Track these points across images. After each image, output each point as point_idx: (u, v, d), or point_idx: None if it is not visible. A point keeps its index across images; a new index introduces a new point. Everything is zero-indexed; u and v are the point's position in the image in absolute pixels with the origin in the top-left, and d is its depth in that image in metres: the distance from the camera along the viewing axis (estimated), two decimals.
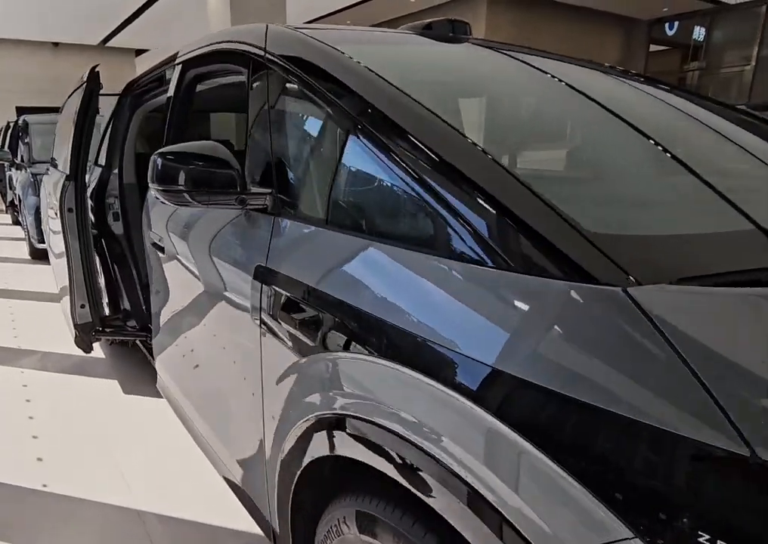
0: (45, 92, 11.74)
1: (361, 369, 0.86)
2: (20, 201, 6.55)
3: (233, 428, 1.48)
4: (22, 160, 6.62)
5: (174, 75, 1.99)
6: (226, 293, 1.36)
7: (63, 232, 2.57)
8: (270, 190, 1.21)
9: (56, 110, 7.65)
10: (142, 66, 12.79)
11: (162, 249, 1.85)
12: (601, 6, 10.84)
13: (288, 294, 1.08)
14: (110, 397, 2.70)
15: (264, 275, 1.16)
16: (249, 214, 1.27)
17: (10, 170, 7.83)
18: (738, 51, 11.65)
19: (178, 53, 2.03)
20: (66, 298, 2.83)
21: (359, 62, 1.15)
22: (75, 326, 2.66)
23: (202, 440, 1.75)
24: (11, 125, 8.24)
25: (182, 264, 1.68)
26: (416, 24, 1.71)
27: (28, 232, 5.96)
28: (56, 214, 2.83)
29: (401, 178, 0.90)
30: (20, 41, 11.45)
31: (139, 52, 13.58)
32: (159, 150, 1.21)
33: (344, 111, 1.07)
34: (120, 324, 2.96)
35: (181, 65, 1.94)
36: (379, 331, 0.84)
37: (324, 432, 0.93)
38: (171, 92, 1.99)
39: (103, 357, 3.18)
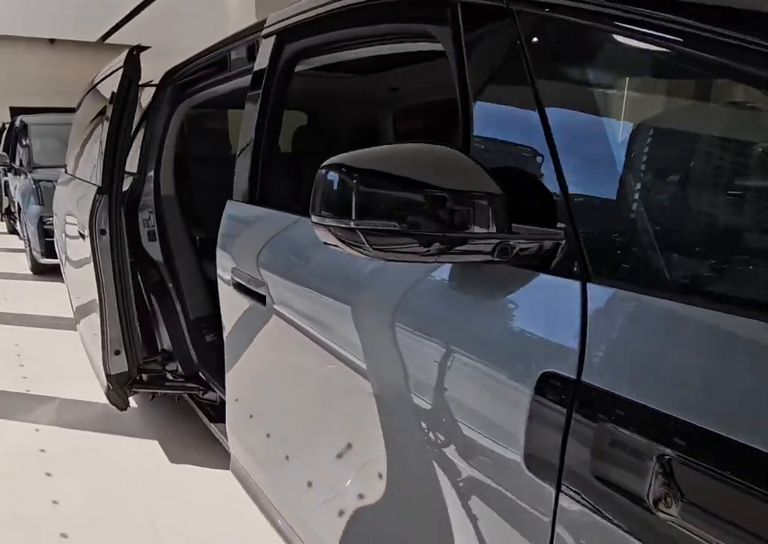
0: (41, 92, 11.09)
1: None
2: (18, 209, 5.96)
3: None
4: (21, 164, 6.02)
5: (263, 52, 1.44)
6: (430, 401, 0.82)
7: (94, 259, 2.01)
8: (561, 230, 0.67)
9: (53, 111, 7.09)
10: (144, 64, 12.17)
11: (258, 298, 1.29)
12: None
13: (663, 447, 0.53)
14: (153, 468, 2.14)
15: (566, 394, 0.61)
16: (499, 271, 0.72)
17: (6, 175, 7.22)
18: None
19: (263, 23, 1.48)
20: (86, 321, 2.27)
21: None
22: (108, 377, 2.10)
23: None
24: (6, 126, 7.64)
25: (309, 332, 1.13)
26: None
27: (29, 244, 5.37)
28: (80, 233, 2.27)
29: None
30: (14, 37, 10.82)
31: (141, 49, 12.92)
32: (335, 161, 0.69)
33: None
34: (158, 368, 2.40)
35: (275, 37, 1.39)
36: None
37: None
38: (259, 75, 1.44)
39: (134, 404, 2.62)
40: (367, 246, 0.67)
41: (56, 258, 4.27)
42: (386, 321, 0.91)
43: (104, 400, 2.29)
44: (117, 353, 2.09)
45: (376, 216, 0.65)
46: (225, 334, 1.57)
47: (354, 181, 0.66)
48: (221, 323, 2.51)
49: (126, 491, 1.98)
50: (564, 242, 0.67)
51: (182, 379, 2.27)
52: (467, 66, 0.81)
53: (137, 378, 2.19)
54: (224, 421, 2.10)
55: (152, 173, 2.36)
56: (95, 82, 2.76)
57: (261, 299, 1.28)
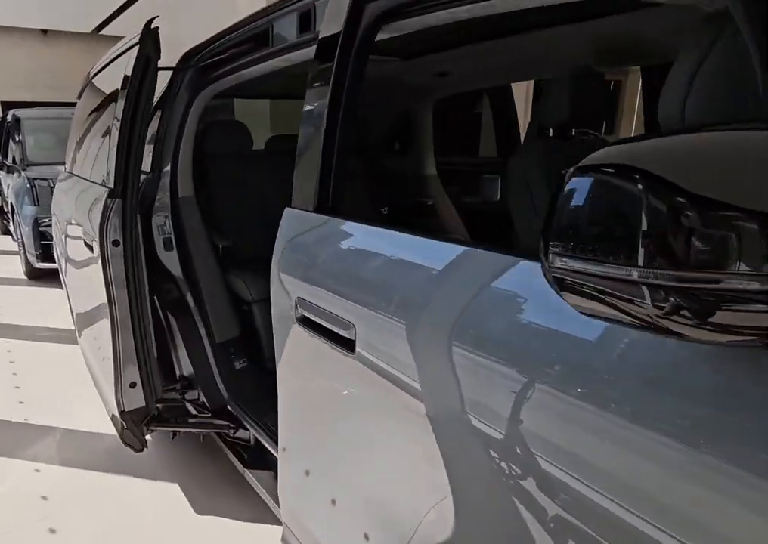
0: (34, 85, 10.63)
1: None
2: (12, 209, 5.58)
3: None
4: (14, 161, 5.64)
5: (333, 14, 1.10)
6: None
7: (105, 274, 1.68)
8: None
9: (45, 105, 6.70)
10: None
11: (340, 342, 0.96)
12: None
13: None
14: (173, 518, 1.81)
15: None
16: None
17: None
18: None
19: None
20: (90, 337, 1.93)
21: None
22: (123, 414, 1.77)
23: None
24: None
25: (421, 394, 0.80)
26: None
27: (23, 247, 5.01)
28: (86, 243, 1.94)
29: None
30: (4, 27, 10.36)
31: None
32: (600, 160, 0.38)
33: None
34: (178, 398, 2.08)
35: None
36: None
37: None
38: (328, 45, 1.11)
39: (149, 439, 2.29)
40: (695, 323, 0.36)
41: (52, 261, 3.92)
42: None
43: (114, 430, 1.97)
44: (133, 385, 1.76)
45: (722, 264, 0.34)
46: (280, 378, 1.24)
47: (690, 210, 0.35)
48: (251, 345, 2.18)
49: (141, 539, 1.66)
50: None
51: (207, 413, 1.94)
52: None
53: (156, 413, 1.86)
54: (259, 467, 1.78)
55: (168, 171, 2.03)
56: (103, 64, 2.41)
57: (345, 344, 0.95)
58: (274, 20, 1.48)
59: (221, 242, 2.19)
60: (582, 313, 0.44)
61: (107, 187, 1.70)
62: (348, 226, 1.02)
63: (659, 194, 0.35)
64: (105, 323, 1.78)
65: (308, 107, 1.18)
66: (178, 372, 2.13)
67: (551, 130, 1.90)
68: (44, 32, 11.00)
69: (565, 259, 0.41)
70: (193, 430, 1.89)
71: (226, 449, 1.86)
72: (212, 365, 1.99)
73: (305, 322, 1.07)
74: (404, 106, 2.84)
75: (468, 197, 2.91)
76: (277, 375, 1.25)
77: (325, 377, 1.08)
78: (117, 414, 1.77)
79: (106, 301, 1.71)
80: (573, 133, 1.92)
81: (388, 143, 3.14)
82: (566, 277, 0.41)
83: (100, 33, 10.89)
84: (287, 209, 1.20)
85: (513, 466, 0.65)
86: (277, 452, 1.63)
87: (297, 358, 1.17)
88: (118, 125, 1.67)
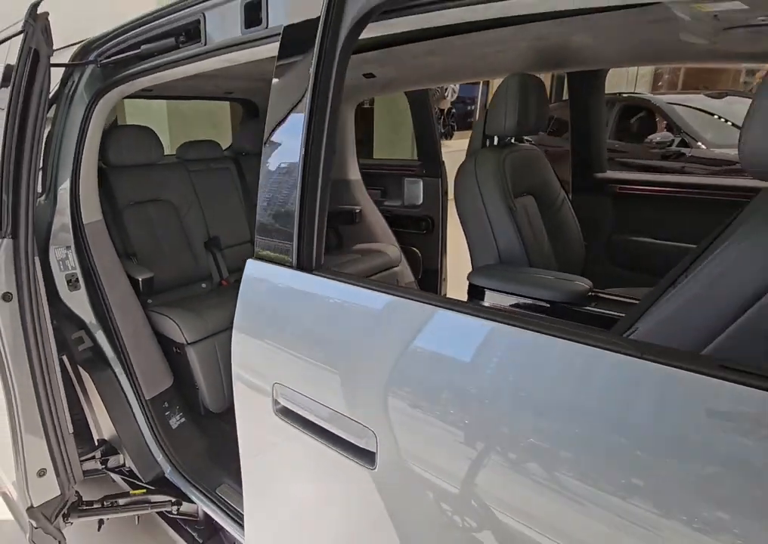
0: None
1: None
2: None
3: None
4: None
5: None
6: None
7: None
8: None
9: None
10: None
11: (353, 451, 0.72)
12: None
13: None
14: None
15: None
16: None
17: None
18: None
19: None
20: None
21: None
22: (30, 511, 1.38)
23: None
24: None
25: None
26: None
27: None
28: None
29: None
30: None
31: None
32: None
33: None
34: (98, 469, 1.70)
35: None
36: None
37: None
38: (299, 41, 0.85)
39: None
40: None
41: None
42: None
43: (10, 515, 1.56)
44: (42, 473, 1.37)
45: None
46: (247, 497, 0.96)
47: None
48: (189, 396, 1.82)
49: None
50: None
51: (143, 488, 1.59)
52: None
53: (75, 500, 1.48)
54: None
55: (66, 189, 1.63)
56: None
57: (362, 456, 0.72)
58: (206, 11, 1.18)
59: (139, 275, 1.82)
60: None
61: None
62: (366, 295, 0.78)
63: None
64: None
65: (271, 122, 0.91)
66: (96, 436, 1.74)
67: (496, 139, 1.81)
68: None
69: None
70: (124, 514, 1.53)
71: (171, 530, 1.53)
72: (140, 426, 1.64)
73: (291, 416, 0.82)
74: None
75: (389, 201, 2.78)
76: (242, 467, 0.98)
77: (327, 494, 0.83)
78: (23, 511, 1.38)
79: None
80: (513, 141, 1.86)
81: None
82: None
83: None
84: (251, 261, 0.93)
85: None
86: (233, 526, 1.36)
87: (278, 458, 0.90)
88: (1, 138, 1.27)
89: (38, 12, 1.26)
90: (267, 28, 1.04)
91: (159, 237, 2.08)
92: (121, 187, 2.02)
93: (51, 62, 1.32)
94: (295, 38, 0.92)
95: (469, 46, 1.51)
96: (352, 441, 0.74)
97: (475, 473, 0.61)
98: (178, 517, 1.56)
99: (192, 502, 1.55)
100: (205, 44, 1.21)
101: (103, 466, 1.69)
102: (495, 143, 1.82)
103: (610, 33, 1.35)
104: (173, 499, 1.55)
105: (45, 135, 1.62)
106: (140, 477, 1.60)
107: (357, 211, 2.64)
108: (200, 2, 1.17)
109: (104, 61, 1.49)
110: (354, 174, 2.71)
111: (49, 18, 1.31)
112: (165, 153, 2.24)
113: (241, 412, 0.96)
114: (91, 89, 1.57)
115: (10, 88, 1.23)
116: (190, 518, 1.56)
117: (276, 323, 0.88)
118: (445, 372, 0.65)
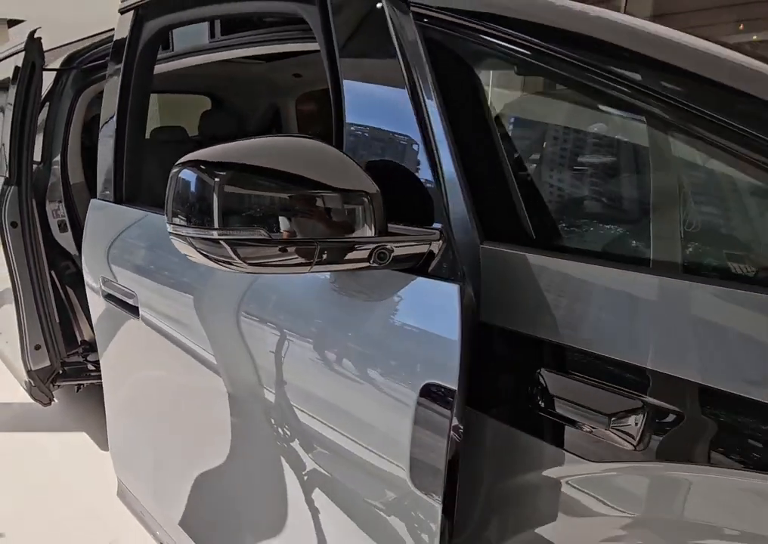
0: None
1: None
2: None
3: None
4: None
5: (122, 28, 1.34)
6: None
7: (6, 253, 1.94)
8: (438, 230, 0.65)
9: None
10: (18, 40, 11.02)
11: (130, 309, 1.23)
12: None
13: None
14: (86, 460, 2.13)
15: (444, 402, 0.61)
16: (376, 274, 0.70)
17: None
18: None
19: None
20: None
21: None
22: (29, 373, 2.05)
23: None
24: None
25: (183, 343, 1.09)
26: None
27: None
28: None
29: None
30: None
31: (13, 23, 11.67)
32: (191, 157, 0.59)
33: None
34: (80, 360, 2.36)
35: (134, 12, 1.28)
36: None
37: None
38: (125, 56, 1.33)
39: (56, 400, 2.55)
40: (237, 260, 0.57)
41: None
42: (262, 327, 0.87)
43: (23, 398, 2.23)
44: (38, 348, 2.04)
45: (243, 223, 0.56)
46: (101, 351, 1.46)
47: (217, 181, 0.55)
48: None
49: (58, 485, 1.97)
50: (441, 243, 0.63)
51: None
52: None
53: (60, 371, 2.15)
54: None
55: (58, 160, 2.28)
56: None
57: (133, 310, 1.22)
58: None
59: None
60: (187, 256, 0.62)
61: (3, 176, 1.96)
62: (136, 214, 1.24)
63: (207, 174, 0.56)
64: (9, 297, 2.03)
65: (106, 105, 1.41)
66: (79, 338, 2.41)
67: None
68: None
69: (178, 228, 0.60)
70: (96, 382, 2.20)
71: None
72: None
73: (110, 298, 1.32)
74: (272, 101, 3.19)
75: None
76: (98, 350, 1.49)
77: (125, 341, 1.34)
78: (25, 374, 2.05)
79: (8, 277, 1.97)
80: None
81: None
82: (182, 241, 0.60)
83: None
84: (93, 201, 1.42)
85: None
86: None
87: (107, 329, 1.41)
88: (11, 122, 1.92)
89: (34, 36, 1.91)
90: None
91: None
92: None
93: (45, 67, 1.97)
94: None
95: None
96: (129, 302, 1.24)
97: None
98: None
99: None
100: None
101: (84, 359, 2.35)
102: None
103: None
104: None
105: (41, 121, 2.27)
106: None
107: None
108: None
109: (83, 67, 2.14)
110: None
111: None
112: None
113: (93, 307, 1.45)
114: (74, 87, 2.21)
115: (16, 92, 1.88)
116: None
117: (99, 243, 1.37)
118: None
